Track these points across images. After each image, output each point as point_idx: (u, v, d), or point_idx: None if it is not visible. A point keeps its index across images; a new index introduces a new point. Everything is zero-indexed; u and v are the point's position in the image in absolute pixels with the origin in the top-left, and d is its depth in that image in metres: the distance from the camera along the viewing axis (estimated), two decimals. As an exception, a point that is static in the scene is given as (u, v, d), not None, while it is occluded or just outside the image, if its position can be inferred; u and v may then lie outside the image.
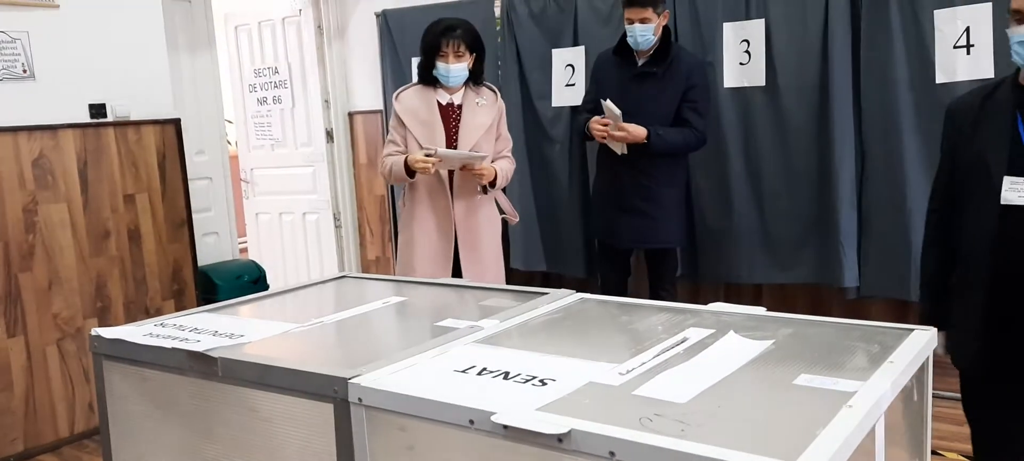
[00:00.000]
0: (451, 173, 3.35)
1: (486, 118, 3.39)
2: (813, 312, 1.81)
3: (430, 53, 3.32)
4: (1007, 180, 2.00)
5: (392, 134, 3.43)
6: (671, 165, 3.70)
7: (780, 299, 4.06)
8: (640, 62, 3.65)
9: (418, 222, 3.37)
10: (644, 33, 3.54)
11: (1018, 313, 2.01)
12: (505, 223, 3.60)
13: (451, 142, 3.32)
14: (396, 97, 3.43)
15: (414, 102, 3.38)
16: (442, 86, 3.36)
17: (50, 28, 3.65)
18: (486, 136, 3.37)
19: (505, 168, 3.44)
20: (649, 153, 3.56)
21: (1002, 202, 2.00)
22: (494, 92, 3.48)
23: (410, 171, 3.26)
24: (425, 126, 3.32)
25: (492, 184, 3.37)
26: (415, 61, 5.02)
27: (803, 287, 4.08)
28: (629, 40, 3.60)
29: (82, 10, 3.75)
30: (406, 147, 3.35)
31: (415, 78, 5.02)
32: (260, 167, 6.00)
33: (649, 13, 3.51)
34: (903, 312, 3.81)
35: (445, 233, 3.36)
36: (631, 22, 3.55)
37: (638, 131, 3.51)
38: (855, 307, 3.81)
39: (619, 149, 3.60)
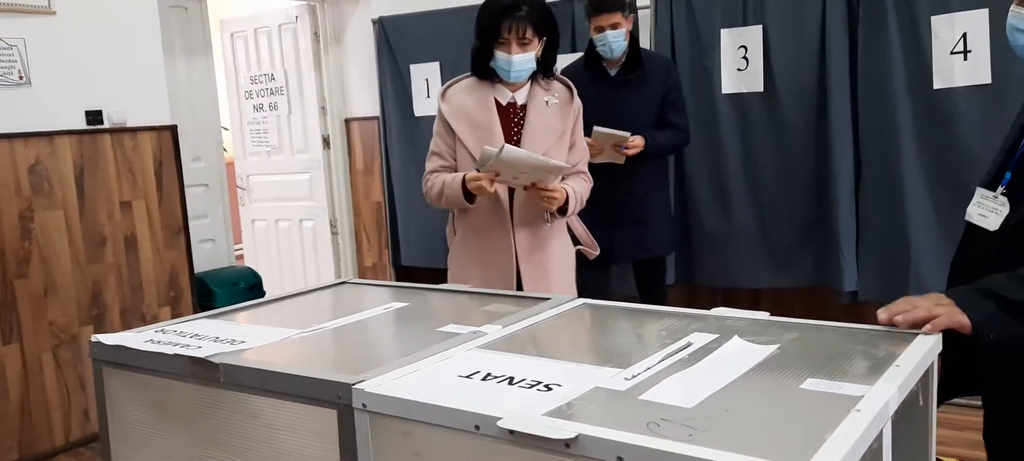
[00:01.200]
0: (511, 192, 2.64)
1: (557, 122, 2.67)
2: (811, 316, 1.80)
3: (487, 39, 2.59)
4: (979, 191, 1.76)
5: (437, 143, 2.69)
6: (657, 167, 3.70)
7: (778, 304, 4.06)
8: (613, 71, 3.61)
9: (476, 258, 2.69)
10: (617, 39, 3.49)
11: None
12: (581, 256, 2.90)
13: None
14: (442, 95, 2.71)
15: (466, 100, 2.66)
16: (502, 81, 2.66)
17: (47, 34, 3.64)
18: (557, 144, 2.65)
19: (580, 190, 2.70)
20: (641, 157, 3.54)
21: (966, 217, 1.78)
22: (569, 88, 2.75)
23: (469, 194, 2.56)
24: (479, 131, 2.61)
25: (562, 211, 2.64)
26: (413, 68, 5.02)
27: (800, 292, 4.09)
28: (601, 49, 3.53)
29: (79, 16, 3.75)
30: (456, 159, 2.65)
31: (414, 86, 5.07)
32: (256, 174, 5.99)
33: (619, 18, 3.47)
34: (901, 317, 3.81)
35: (506, 270, 2.65)
36: (602, 30, 3.48)
37: (640, 141, 3.50)
38: (853, 311, 3.81)
39: (620, 159, 3.55)
